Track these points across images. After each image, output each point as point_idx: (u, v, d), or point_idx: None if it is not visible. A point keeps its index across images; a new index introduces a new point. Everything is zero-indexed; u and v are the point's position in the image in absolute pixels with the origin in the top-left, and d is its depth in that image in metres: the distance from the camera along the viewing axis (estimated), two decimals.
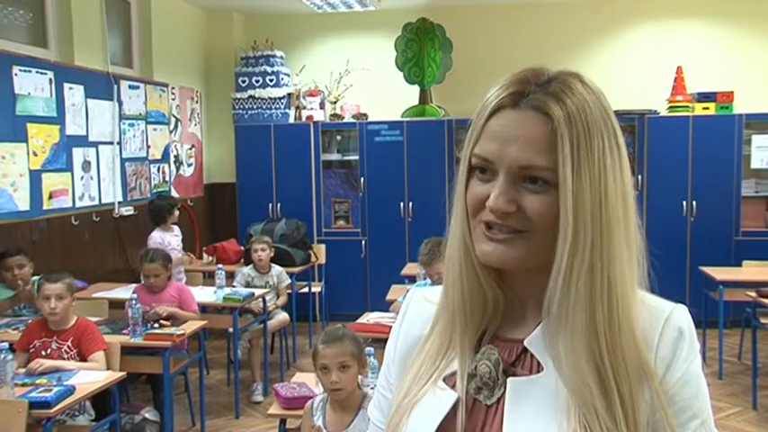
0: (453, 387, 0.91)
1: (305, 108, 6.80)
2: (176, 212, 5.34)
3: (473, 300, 0.91)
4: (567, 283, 0.83)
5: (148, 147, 5.93)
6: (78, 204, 4.98)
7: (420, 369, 0.94)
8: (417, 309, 1.03)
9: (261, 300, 4.77)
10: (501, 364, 0.90)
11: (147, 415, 3.76)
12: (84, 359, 3.35)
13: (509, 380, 0.88)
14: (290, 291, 5.40)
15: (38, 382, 2.99)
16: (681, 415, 0.84)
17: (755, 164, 6.17)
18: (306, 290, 6.01)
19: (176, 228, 5.43)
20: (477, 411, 0.89)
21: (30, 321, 3.56)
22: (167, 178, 6.26)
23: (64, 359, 3.31)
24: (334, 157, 6.85)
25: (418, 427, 0.90)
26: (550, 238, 0.84)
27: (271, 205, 6.72)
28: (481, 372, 0.90)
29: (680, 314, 0.88)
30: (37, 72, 4.57)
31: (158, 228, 5.25)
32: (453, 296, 0.93)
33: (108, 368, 3.39)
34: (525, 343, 0.89)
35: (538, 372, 0.88)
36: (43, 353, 3.34)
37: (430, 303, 0.99)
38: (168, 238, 5.22)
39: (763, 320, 4.59)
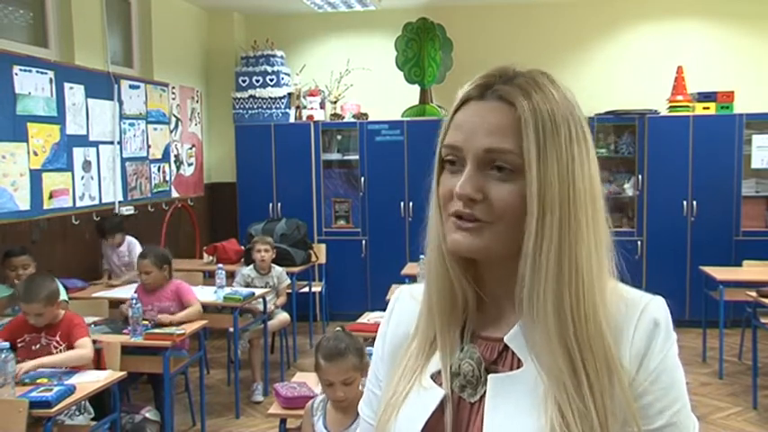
0: (441, 385, 0.92)
1: (305, 108, 6.80)
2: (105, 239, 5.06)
3: (449, 295, 0.93)
4: (536, 268, 0.84)
5: (149, 146, 5.93)
6: (79, 204, 4.98)
7: (406, 367, 0.95)
8: (404, 307, 1.04)
9: (261, 300, 4.77)
10: (483, 363, 0.91)
11: (147, 414, 3.76)
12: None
13: (489, 377, 0.89)
14: (289, 291, 5.40)
15: (38, 381, 2.99)
16: (656, 404, 0.85)
17: (756, 164, 6.17)
18: (306, 290, 6.01)
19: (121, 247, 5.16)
20: (463, 409, 0.91)
21: (18, 315, 3.52)
22: (168, 178, 6.26)
23: (53, 354, 3.31)
24: (335, 156, 6.86)
25: (406, 425, 0.91)
26: (517, 230, 0.85)
27: (271, 205, 6.72)
28: (464, 370, 0.91)
29: (655, 306, 0.88)
30: (37, 72, 4.57)
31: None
32: (431, 292, 0.94)
33: (108, 366, 3.39)
34: (505, 340, 0.90)
35: (518, 368, 0.89)
36: (33, 348, 3.34)
37: (416, 301, 1.00)
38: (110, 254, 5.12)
39: (763, 320, 4.58)
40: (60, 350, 3.35)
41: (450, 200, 0.88)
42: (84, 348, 3.32)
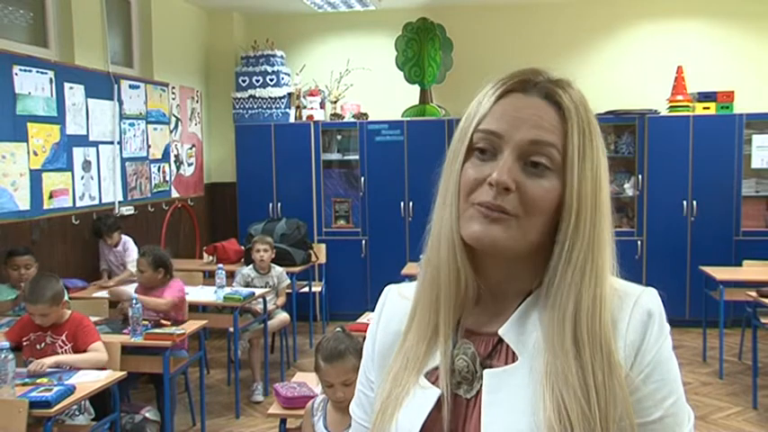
0: (435, 382, 0.91)
1: (305, 108, 6.80)
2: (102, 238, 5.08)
3: (456, 289, 0.92)
4: (567, 263, 0.86)
5: (149, 146, 5.93)
6: (79, 204, 4.98)
7: (400, 367, 0.94)
8: (394, 305, 1.03)
9: (261, 300, 4.77)
10: (477, 358, 0.91)
11: (147, 414, 3.76)
12: (79, 352, 3.36)
13: (485, 372, 0.89)
14: (289, 291, 5.40)
15: (38, 381, 2.99)
16: (652, 397, 0.85)
17: (756, 163, 6.17)
18: (306, 289, 6.01)
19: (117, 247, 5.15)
20: (459, 406, 0.90)
21: (25, 314, 3.54)
22: (167, 178, 6.26)
23: (58, 353, 3.32)
24: (335, 156, 6.86)
25: (404, 425, 0.90)
26: (539, 227, 0.87)
27: (271, 205, 6.72)
28: (459, 367, 0.91)
29: (648, 297, 0.89)
30: (37, 72, 4.57)
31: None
32: (440, 285, 0.93)
33: (108, 366, 3.39)
34: (500, 333, 0.90)
35: (513, 362, 0.88)
36: (38, 347, 3.35)
37: (406, 300, 0.99)
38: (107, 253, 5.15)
39: (763, 320, 4.58)
40: (66, 350, 3.36)
41: (476, 189, 0.87)
42: (100, 352, 3.36)
